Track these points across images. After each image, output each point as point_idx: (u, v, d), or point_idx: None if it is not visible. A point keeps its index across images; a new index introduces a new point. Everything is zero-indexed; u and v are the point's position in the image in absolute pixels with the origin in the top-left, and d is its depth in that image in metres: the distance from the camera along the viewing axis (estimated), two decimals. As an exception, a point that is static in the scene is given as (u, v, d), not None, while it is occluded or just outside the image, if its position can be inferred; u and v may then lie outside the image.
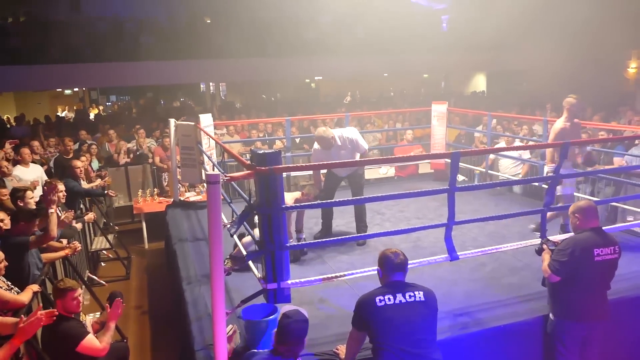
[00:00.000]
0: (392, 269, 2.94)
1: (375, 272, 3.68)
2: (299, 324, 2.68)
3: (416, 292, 2.87)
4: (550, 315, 3.57)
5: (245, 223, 3.89)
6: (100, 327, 3.85)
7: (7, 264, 3.84)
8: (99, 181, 7.49)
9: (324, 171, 5.73)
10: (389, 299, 2.82)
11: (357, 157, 5.29)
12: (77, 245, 5.08)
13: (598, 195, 6.44)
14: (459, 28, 15.26)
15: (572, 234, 3.61)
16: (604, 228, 3.61)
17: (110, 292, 4.23)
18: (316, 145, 5.29)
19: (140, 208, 7.89)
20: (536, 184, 6.61)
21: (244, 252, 4.35)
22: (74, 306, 3.56)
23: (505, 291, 4.10)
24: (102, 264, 7.37)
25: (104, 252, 7.30)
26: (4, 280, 3.89)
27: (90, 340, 3.49)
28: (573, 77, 15.34)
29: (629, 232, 5.21)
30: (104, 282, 6.54)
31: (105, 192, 7.26)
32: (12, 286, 3.91)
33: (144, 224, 7.95)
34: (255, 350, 2.92)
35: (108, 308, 3.81)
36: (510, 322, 3.63)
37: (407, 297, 2.83)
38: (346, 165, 4.95)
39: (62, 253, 4.88)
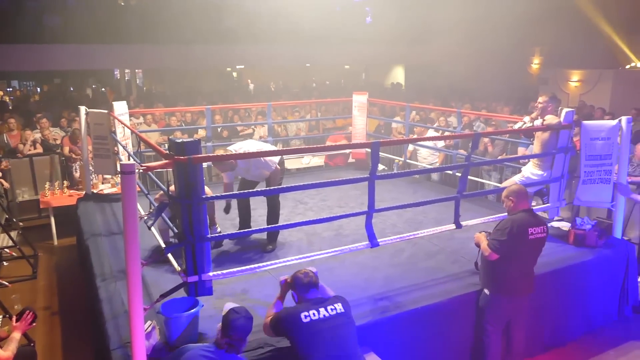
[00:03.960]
0: (305, 288, 3.07)
1: (297, 261, 3.73)
2: (246, 321, 2.79)
3: (335, 305, 3.01)
4: (485, 290, 3.84)
5: (163, 215, 3.75)
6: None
7: None
8: None
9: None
10: (314, 314, 2.91)
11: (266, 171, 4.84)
12: None
13: (505, 182, 6.87)
14: (379, 21, 15.62)
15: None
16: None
17: (22, 305, 3.90)
18: None
19: (47, 202, 7.37)
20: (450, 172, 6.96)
21: (160, 240, 4.20)
22: None
23: (422, 275, 4.27)
24: (5, 263, 6.81)
25: (7, 250, 6.76)
26: None
27: (-8, 348, 3.22)
28: (484, 72, 16.30)
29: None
30: (6, 283, 6.06)
31: None
32: None
33: (52, 219, 7.45)
34: (192, 344, 2.88)
35: (14, 322, 3.53)
36: (428, 304, 3.79)
37: (330, 310, 2.96)
38: (268, 155, 4.85)
39: None
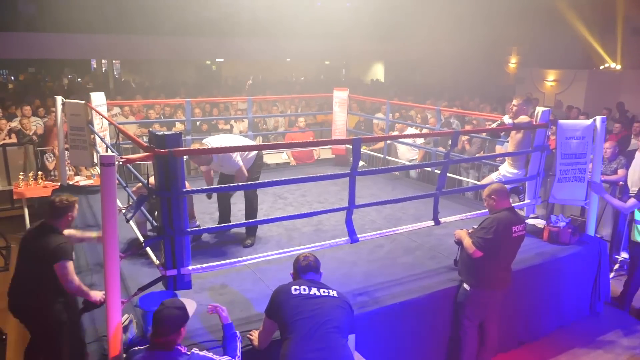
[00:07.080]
0: (302, 270, 3.08)
1: (277, 256, 3.73)
2: (171, 311, 2.60)
3: (329, 290, 2.98)
4: (465, 285, 3.91)
5: (142, 208, 3.70)
6: None
7: None
8: None
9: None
10: (304, 289, 2.92)
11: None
12: None
13: (483, 180, 6.97)
14: (360, 16, 15.65)
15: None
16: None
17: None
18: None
19: (21, 193, 7.22)
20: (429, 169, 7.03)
21: (138, 233, 4.15)
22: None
23: (401, 270, 4.31)
24: (-24, 255, 6.65)
25: (-22, 242, 6.60)
26: None
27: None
28: (462, 70, 16.50)
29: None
30: (-22, 276, 5.92)
31: None
32: None
33: (26, 210, 7.30)
34: (136, 348, 2.73)
35: None
36: (406, 299, 3.83)
37: (321, 292, 2.94)
38: (246, 150, 4.81)
39: None
